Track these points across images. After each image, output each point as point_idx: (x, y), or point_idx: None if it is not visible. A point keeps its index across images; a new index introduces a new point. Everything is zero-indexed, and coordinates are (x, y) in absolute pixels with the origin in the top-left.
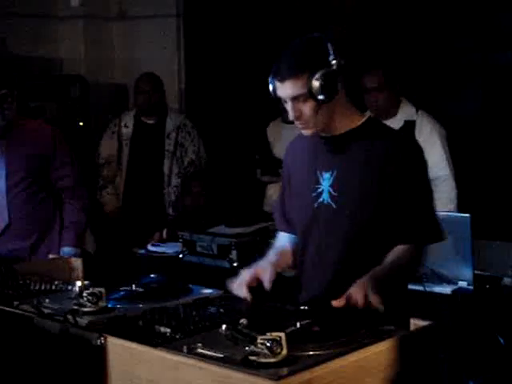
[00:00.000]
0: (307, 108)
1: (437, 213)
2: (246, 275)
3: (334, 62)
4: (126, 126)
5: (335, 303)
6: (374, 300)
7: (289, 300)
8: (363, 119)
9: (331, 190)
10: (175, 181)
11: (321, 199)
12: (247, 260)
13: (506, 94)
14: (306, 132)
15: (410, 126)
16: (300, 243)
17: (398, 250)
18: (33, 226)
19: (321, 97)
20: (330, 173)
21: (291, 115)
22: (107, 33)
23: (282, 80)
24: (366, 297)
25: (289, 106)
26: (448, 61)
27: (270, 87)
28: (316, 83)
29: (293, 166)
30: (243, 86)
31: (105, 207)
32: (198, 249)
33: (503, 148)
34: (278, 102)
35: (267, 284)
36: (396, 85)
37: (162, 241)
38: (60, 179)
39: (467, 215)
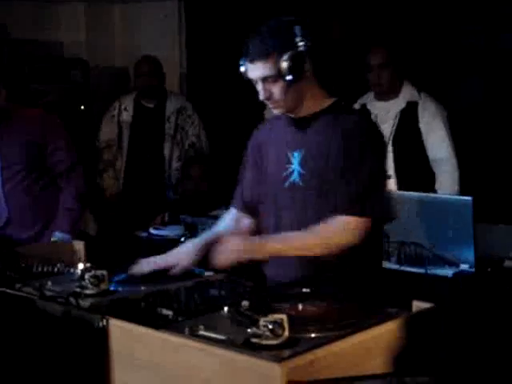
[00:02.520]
0: (276, 88)
1: (382, 192)
2: (160, 259)
3: (301, 43)
4: (125, 110)
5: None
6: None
7: (233, 273)
8: (329, 102)
9: (300, 169)
10: (176, 164)
11: (291, 178)
12: None
13: (509, 77)
14: (277, 111)
15: (412, 106)
16: (271, 221)
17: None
18: (35, 216)
19: (289, 77)
20: (298, 152)
21: (261, 95)
22: (108, 16)
23: (251, 61)
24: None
25: (259, 87)
26: (451, 44)
27: (242, 68)
28: (284, 64)
29: (266, 146)
30: None
31: (105, 191)
32: (200, 232)
33: (505, 132)
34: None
35: (173, 272)
36: (399, 64)
37: (163, 224)
38: (55, 165)
39: (469, 198)
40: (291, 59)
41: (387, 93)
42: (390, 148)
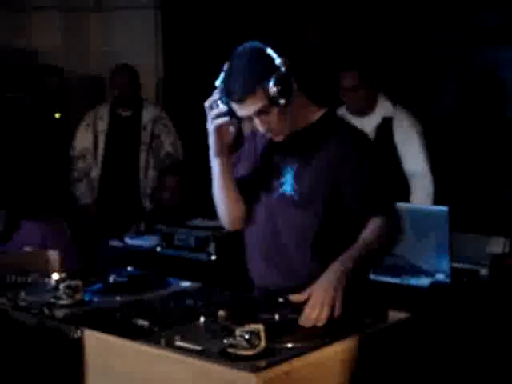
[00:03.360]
0: (273, 117)
1: (392, 195)
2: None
3: (280, 64)
4: (101, 119)
5: (294, 298)
6: (338, 309)
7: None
8: (321, 113)
9: (293, 183)
10: (152, 173)
11: (282, 189)
12: (225, 253)
13: (483, 89)
14: (279, 138)
15: (387, 122)
16: (256, 229)
17: (367, 231)
18: None
19: (282, 101)
20: (292, 167)
21: (261, 129)
22: (83, 23)
23: (240, 101)
24: (329, 305)
25: (256, 122)
26: (426, 56)
27: (231, 107)
28: (273, 91)
29: (261, 147)
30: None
31: (79, 200)
32: (176, 242)
33: (481, 142)
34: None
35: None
36: (373, 83)
37: (139, 233)
38: None
39: (445, 208)
40: (278, 83)
41: (361, 111)
42: None
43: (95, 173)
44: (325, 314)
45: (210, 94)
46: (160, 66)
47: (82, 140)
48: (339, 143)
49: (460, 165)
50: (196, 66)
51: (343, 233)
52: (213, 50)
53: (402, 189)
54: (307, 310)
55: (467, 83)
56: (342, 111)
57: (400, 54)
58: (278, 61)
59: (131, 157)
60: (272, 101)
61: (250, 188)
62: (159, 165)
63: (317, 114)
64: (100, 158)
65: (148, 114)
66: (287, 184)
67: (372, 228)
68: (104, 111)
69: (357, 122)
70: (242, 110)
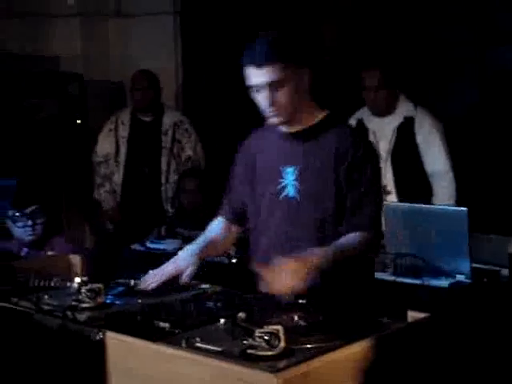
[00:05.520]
0: (281, 95)
1: (380, 208)
2: (166, 269)
3: (303, 54)
4: (122, 124)
5: (258, 266)
6: (297, 287)
7: (230, 285)
8: (322, 115)
9: (296, 184)
10: (173, 177)
11: (285, 193)
12: (245, 255)
13: (501, 88)
14: (275, 120)
15: (409, 122)
16: (261, 233)
17: (345, 237)
18: None
19: (294, 84)
20: (293, 168)
21: (265, 102)
22: (103, 30)
23: (258, 66)
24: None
25: (263, 94)
26: (443, 56)
27: (246, 73)
28: (290, 70)
29: (257, 157)
30: (241, 82)
31: (102, 205)
32: None
33: (499, 142)
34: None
35: (186, 279)
36: (394, 83)
37: (160, 238)
38: None
39: (464, 209)
40: (297, 67)
41: (383, 111)
42: (388, 163)
43: (117, 177)
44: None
45: (229, 98)
46: (180, 71)
47: (105, 145)
48: (341, 144)
49: (478, 165)
50: (215, 70)
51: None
52: (232, 54)
53: (424, 189)
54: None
55: (483, 83)
56: (361, 112)
57: (417, 56)
58: (302, 50)
59: (153, 161)
60: (286, 79)
61: (251, 199)
62: (180, 169)
63: (319, 116)
64: (122, 162)
65: (169, 119)
66: (289, 186)
67: (354, 237)
68: (125, 116)
69: (378, 122)
70: (257, 77)
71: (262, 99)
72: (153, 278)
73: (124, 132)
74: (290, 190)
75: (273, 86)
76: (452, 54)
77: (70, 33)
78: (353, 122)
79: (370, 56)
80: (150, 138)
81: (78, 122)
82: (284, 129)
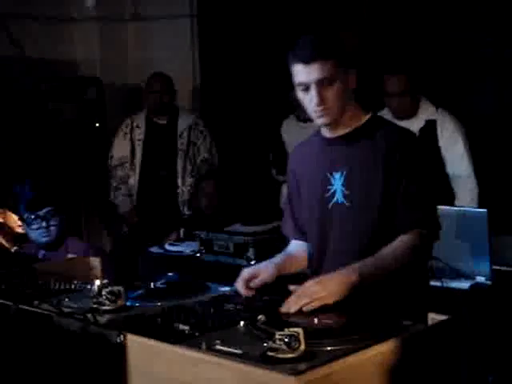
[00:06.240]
0: (331, 92)
1: (436, 203)
2: (244, 273)
3: (352, 55)
4: (138, 127)
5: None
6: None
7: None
8: (367, 117)
9: (344, 189)
10: (189, 180)
11: (334, 199)
12: (264, 258)
13: None
14: (323, 120)
15: (431, 125)
16: (315, 244)
17: (394, 241)
18: None
19: (345, 82)
20: (341, 173)
21: (314, 100)
22: (122, 34)
23: (309, 62)
24: (309, 295)
25: (312, 92)
26: (462, 56)
27: (294, 71)
28: (343, 68)
29: (300, 171)
30: (257, 84)
31: (119, 208)
32: (215, 247)
33: None
34: (291, 98)
35: (257, 283)
36: (418, 88)
37: (178, 240)
38: None
39: (484, 210)
40: (346, 66)
41: (405, 115)
42: None
43: (133, 180)
44: (299, 303)
45: (247, 101)
46: (197, 74)
47: (120, 148)
48: (390, 144)
49: (500, 166)
50: (233, 73)
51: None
52: (249, 56)
53: (446, 192)
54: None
55: (504, 83)
56: (384, 114)
57: (436, 57)
58: (351, 51)
59: (168, 164)
60: (337, 76)
61: (305, 212)
62: (196, 171)
63: (363, 118)
64: (138, 166)
65: (184, 122)
66: (338, 192)
67: (396, 244)
68: (140, 119)
69: (401, 125)
70: (305, 74)
71: (310, 97)
72: (238, 286)
73: (139, 135)
74: (339, 196)
75: (322, 84)
76: (472, 54)
77: (88, 37)
78: None
79: (393, 61)
80: (165, 141)
81: (97, 125)
82: (328, 134)
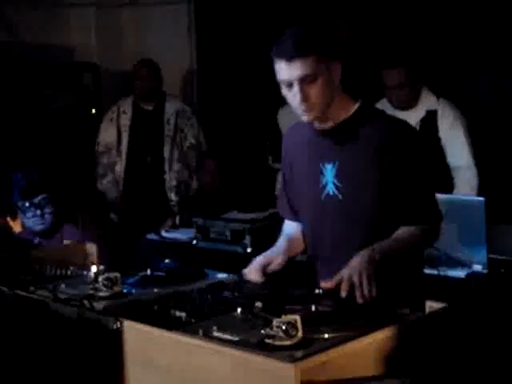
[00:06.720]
0: (314, 89)
1: (435, 195)
2: (258, 261)
3: (335, 47)
4: (124, 113)
5: (326, 284)
6: (370, 283)
7: (303, 285)
8: (355, 106)
9: (335, 181)
10: (176, 166)
11: (326, 191)
12: (261, 245)
13: None
14: (308, 117)
15: (431, 115)
16: (310, 234)
17: (401, 229)
18: None
19: (327, 77)
20: (332, 164)
21: (297, 98)
22: (118, 20)
23: (290, 60)
24: (360, 278)
25: (295, 89)
26: (461, 47)
27: (275, 68)
28: (324, 64)
29: (294, 154)
30: (255, 71)
31: (105, 195)
32: (212, 235)
33: None
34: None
35: (276, 267)
36: (418, 80)
37: (175, 227)
38: None
39: (482, 199)
40: (330, 59)
41: (406, 106)
42: None
43: (119, 167)
44: (365, 289)
45: (243, 88)
46: (194, 60)
47: (107, 134)
48: (382, 132)
49: (498, 155)
50: (230, 59)
51: (391, 227)
52: (246, 43)
53: (446, 182)
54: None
55: (504, 74)
56: (381, 104)
57: (436, 46)
58: (333, 43)
59: (155, 150)
60: (319, 72)
61: (299, 203)
62: (183, 157)
63: (352, 108)
64: (124, 152)
65: (171, 108)
66: (329, 184)
67: (408, 230)
68: (127, 105)
69: (400, 115)
70: (287, 71)
71: (293, 94)
72: (252, 274)
73: (125, 121)
74: (331, 188)
75: (305, 81)
76: (471, 44)
77: (84, 23)
78: None
79: (392, 54)
80: (151, 127)
81: (93, 111)
82: (318, 125)
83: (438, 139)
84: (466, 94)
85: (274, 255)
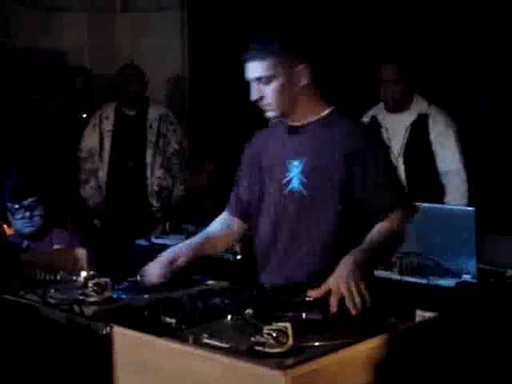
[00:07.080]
0: (269, 90)
1: (398, 179)
2: (164, 255)
3: (300, 49)
4: (106, 118)
5: (312, 293)
6: (361, 291)
7: (236, 281)
8: (328, 110)
9: (301, 177)
10: (158, 171)
11: (290, 186)
12: (251, 252)
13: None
14: (270, 114)
15: (423, 119)
16: (268, 229)
17: (377, 228)
18: None
19: (282, 80)
20: (299, 161)
21: (252, 96)
22: (111, 25)
23: (248, 61)
24: (349, 287)
25: (252, 87)
26: (456, 51)
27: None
28: (278, 67)
29: (263, 151)
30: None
31: (88, 201)
32: None
33: (507, 142)
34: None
35: (183, 264)
36: (411, 78)
37: (164, 233)
38: None
39: (472, 209)
40: (286, 62)
41: (398, 106)
42: (400, 161)
43: (102, 173)
44: (356, 298)
45: (236, 94)
46: (186, 65)
47: (89, 140)
48: (348, 137)
49: (489, 164)
50: (222, 63)
51: (357, 228)
52: (239, 47)
53: (436, 188)
54: (333, 299)
55: (499, 79)
56: (376, 109)
57: (432, 47)
58: (300, 45)
59: (138, 155)
60: (273, 75)
61: (258, 195)
62: (166, 163)
63: (324, 111)
64: (106, 157)
65: (154, 113)
66: (295, 179)
67: (381, 226)
68: (109, 111)
69: (392, 119)
70: (247, 71)
71: (251, 92)
72: (152, 271)
73: (108, 126)
74: (296, 184)
75: (261, 81)
76: (466, 48)
77: (77, 27)
78: (366, 118)
79: (387, 49)
80: (134, 132)
81: (84, 115)
82: (289, 122)
83: (429, 143)
84: (459, 99)
85: (184, 250)
